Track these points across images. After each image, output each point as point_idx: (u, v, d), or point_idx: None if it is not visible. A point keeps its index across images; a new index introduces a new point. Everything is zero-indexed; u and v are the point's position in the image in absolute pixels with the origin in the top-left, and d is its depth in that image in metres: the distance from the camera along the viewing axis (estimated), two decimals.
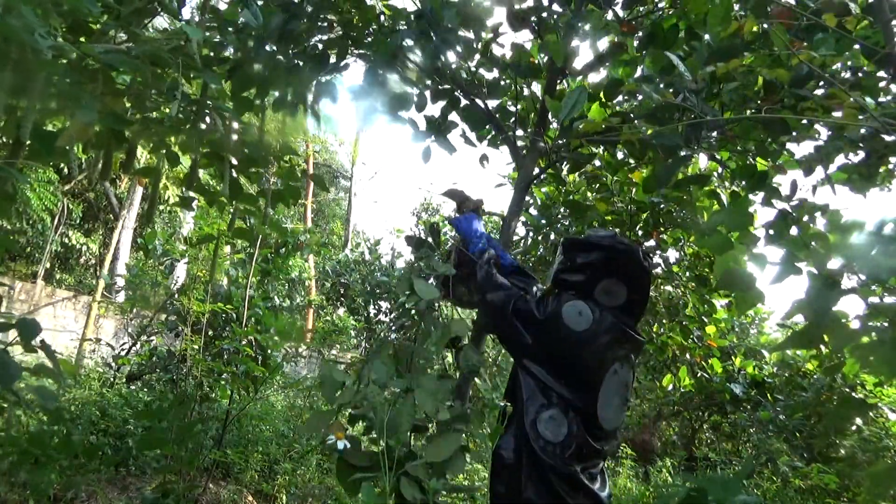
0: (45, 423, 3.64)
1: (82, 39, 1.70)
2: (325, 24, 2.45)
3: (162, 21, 2.03)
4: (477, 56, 2.58)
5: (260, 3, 2.26)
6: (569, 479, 1.56)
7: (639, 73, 2.44)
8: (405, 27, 2.40)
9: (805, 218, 1.81)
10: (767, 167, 2.05)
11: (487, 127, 2.80)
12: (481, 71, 2.66)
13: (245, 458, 4.27)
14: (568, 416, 1.60)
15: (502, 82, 2.65)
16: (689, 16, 2.13)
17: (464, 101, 2.62)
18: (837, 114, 1.74)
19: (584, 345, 1.64)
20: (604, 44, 2.52)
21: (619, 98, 2.48)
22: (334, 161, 23.26)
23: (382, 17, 2.52)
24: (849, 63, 1.86)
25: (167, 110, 1.87)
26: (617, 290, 1.71)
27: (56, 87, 1.48)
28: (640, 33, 2.31)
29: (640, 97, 2.35)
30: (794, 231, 1.79)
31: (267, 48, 2.28)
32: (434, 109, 2.67)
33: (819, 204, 1.82)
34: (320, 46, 2.50)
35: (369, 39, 2.49)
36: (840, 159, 1.94)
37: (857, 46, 1.71)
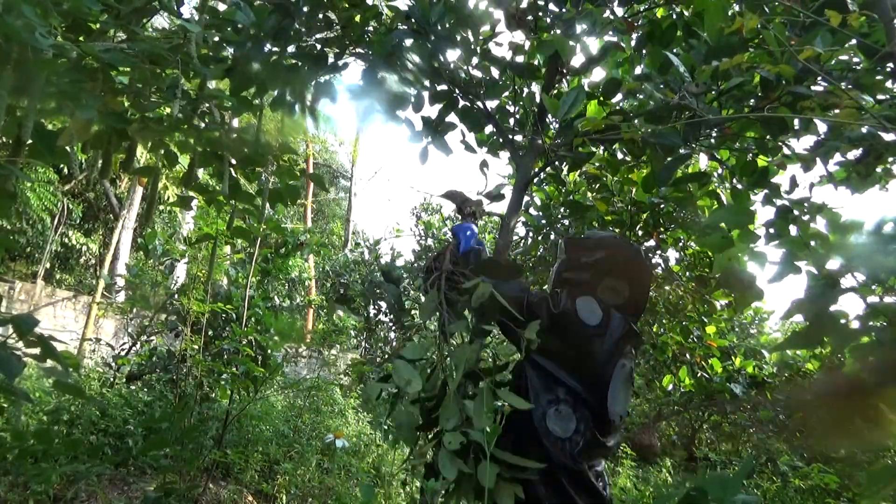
0: (44, 424, 3.64)
1: (81, 38, 1.70)
2: (323, 22, 2.45)
3: (161, 21, 2.02)
4: (475, 59, 2.58)
5: (258, 2, 2.26)
6: (577, 476, 1.56)
7: (637, 71, 2.43)
8: (403, 27, 2.39)
9: (805, 217, 1.80)
10: (767, 163, 2.05)
11: (487, 132, 2.78)
12: (479, 71, 2.65)
13: (245, 458, 4.26)
14: (576, 412, 1.61)
15: (500, 82, 2.64)
16: (687, 12, 2.12)
17: (462, 102, 2.61)
18: (835, 111, 1.73)
19: (596, 339, 1.66)
20: (598, 43, 2.52)
21: (619, 97, 2.48)
22: (334, 161, 23.24)
23: (383, 16, 2.51)
24: (848, 57, 1.84)
25: (167, 110, 1.87)
26: (620, 287, 1.75)
27: (56, 86, 1.48)
28: (639, 32, 2.31)
29: (639, 96, 2.34)
30: (793, 231, 1.78)
31: (264, 48, 2.27)
32: (432, 110, 2.66)
33: (818, 203, 1.82)
34: (318, 46, 2.49)
35: (368, 39, 2.48)
36: (839, 157, 1.94)
37: (853, 41, 1.70)
